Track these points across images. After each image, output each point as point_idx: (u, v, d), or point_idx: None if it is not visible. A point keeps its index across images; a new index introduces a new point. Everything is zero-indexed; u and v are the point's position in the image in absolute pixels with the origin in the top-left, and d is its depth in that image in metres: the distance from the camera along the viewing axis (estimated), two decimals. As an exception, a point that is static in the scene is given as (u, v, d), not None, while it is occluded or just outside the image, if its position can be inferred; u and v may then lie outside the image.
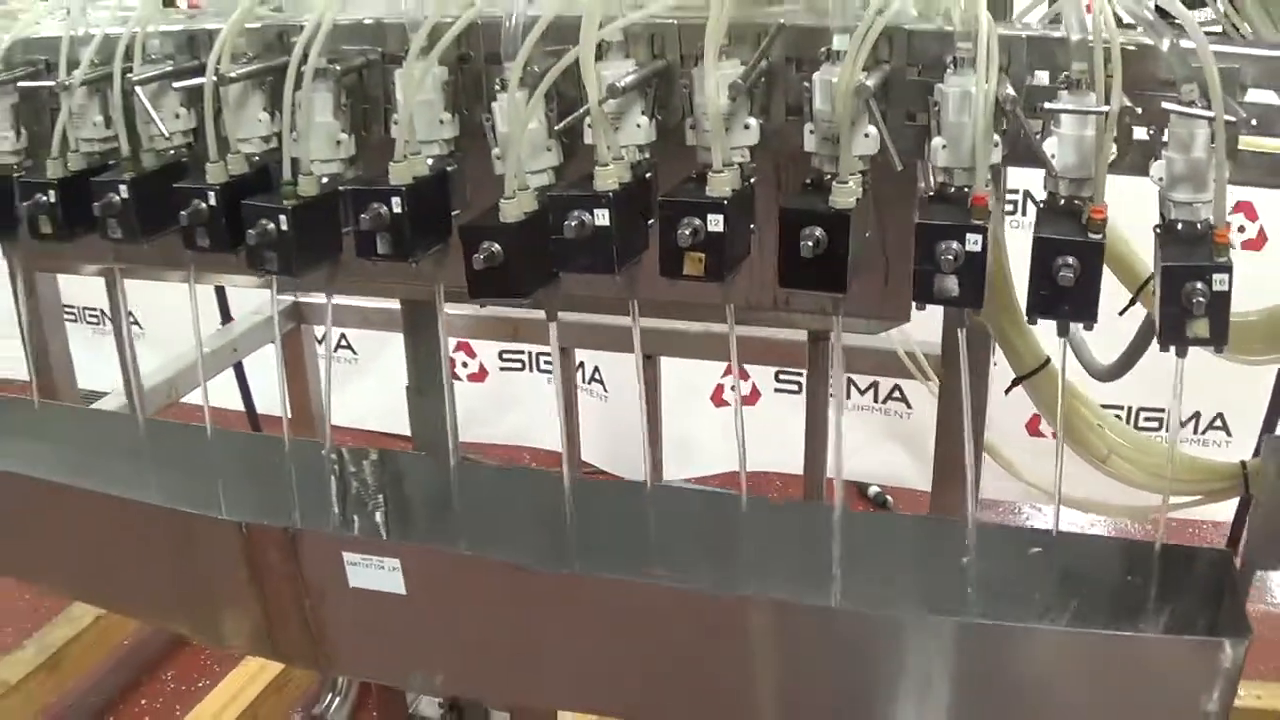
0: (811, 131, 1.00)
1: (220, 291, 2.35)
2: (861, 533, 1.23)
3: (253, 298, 2.31)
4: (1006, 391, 1.35)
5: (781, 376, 2.95)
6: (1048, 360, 1.33)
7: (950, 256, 0.94)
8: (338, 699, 1.37)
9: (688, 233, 0.96)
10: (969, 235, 0.94)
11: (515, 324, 2.12)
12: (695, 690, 1.15)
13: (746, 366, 2.96)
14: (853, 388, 2.93)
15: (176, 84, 1.15)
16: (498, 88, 1.04)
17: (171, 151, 1.22)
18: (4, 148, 1.31)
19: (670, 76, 1.05)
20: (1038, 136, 0.95)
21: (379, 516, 1.30)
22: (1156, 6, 0.94)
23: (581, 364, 2.98)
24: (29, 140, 1.32)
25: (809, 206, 0.96)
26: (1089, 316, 0.94)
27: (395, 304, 2.20)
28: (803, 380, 2.92)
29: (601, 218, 0.98)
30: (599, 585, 1.11)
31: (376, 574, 1.18)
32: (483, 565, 1.16)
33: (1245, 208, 2.55)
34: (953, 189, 0.99)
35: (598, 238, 0.98)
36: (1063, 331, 1.02)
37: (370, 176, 1.09)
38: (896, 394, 2.94)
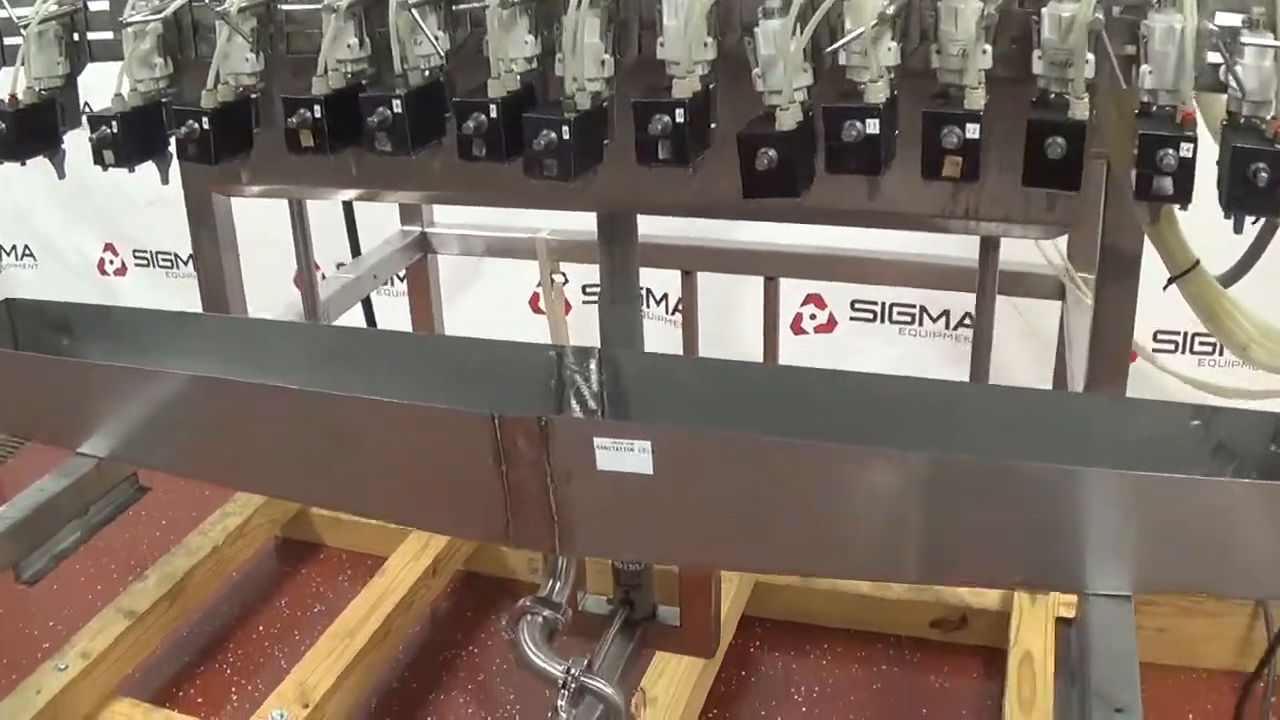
0: (1039, 57, 1.30)
1: (351, 226, 2.62)
2: (1046, 410, 1.56)
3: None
4: (1164, 289, 1.66)
5: (857, 304, 3.27)
6: (1197, 261, 1.65)
7: (1169, 161, 1.24)
8: (558, 583, 1.66)
9: (954, 139, 1.25)
10: (1183, 144, 1.25)
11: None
12: (908, 545, 1.46)
13: (822, 294, 3.28)
14: (925, 315, 3.25)
15: (457, 6, 1.43)
16: (761, 16, 1.33)
17: (427, 72, 1.50)
18: (246, 69, 1.58)
19: (911, 11, 1.34)
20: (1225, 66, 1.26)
21: (610, 405, 1.62)
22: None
23: (666, 295, 3.27)
24: (264, 64, 1.60)
25: (1052, 118, 1.26)
26: (1275, 210, 1.25)
27: (518, 234, 2.51)
28: (877, 310, 3.27)
29: (872, 126, 1.27)
30: (845, 455, 1.41)
31: (625, 456, 1.47)
32: (727, 441, 1.46)
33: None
34: (1154, 108, 1.29)
35: (868, 143, 1.28)
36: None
37: (644, 91, 1.37)
38: (967, 320, 3.25)
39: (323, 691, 2.19)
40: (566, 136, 1.37)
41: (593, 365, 1.67)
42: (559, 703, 1.53)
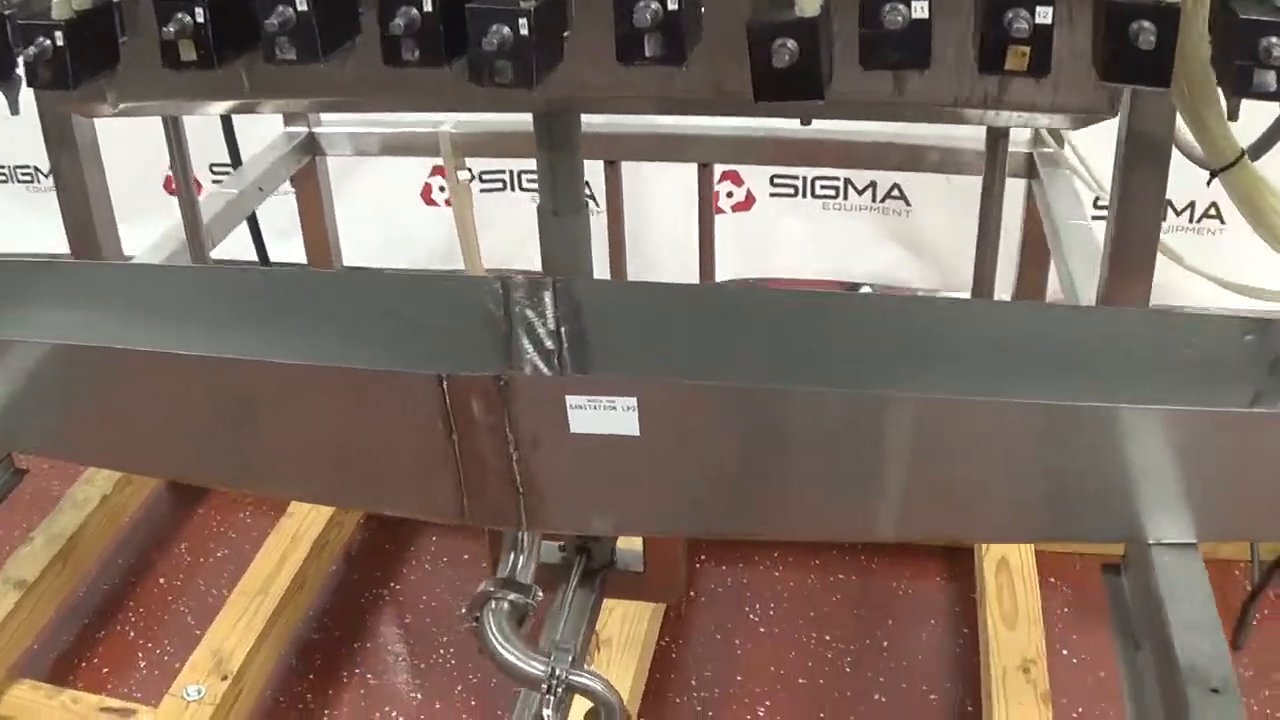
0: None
1: (229, 134, 2.24)
2: (1073, 327, 1.30)
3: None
4: (1208, 183, 1.41)
5: (776, 180, 2.98)
6: (1243, 153, 1.39)
7: (1277, 54, 0.98)
8: (521, 557, 1.37)
9: (1023, 27, 0.97)
10: (1292, 32, 0.98)
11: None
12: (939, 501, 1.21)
13: (740, 171, 2.99)
14: (850, 188, 2.98)
15: None
16: None
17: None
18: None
19: None
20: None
21: (571, 346, 1.33)
22: None
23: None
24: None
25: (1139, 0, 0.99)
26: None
27: (418, 129, 2.16)
28: (798, 185, 2.99)
29: (920, 9, 0.98)
30: (873, 404, 1.14)
31: (606, 416, 1.19)
32: (733, 394, 1.17)
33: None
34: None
35: (914, 30, 0.99)
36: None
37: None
38: (896, 192, 2.99)
39: (240, 659, 1.90)
40: (525, 31, 1.05)
41: (547, 299, 1.37)
42: (545, 712, 1.25)
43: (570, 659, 1.26)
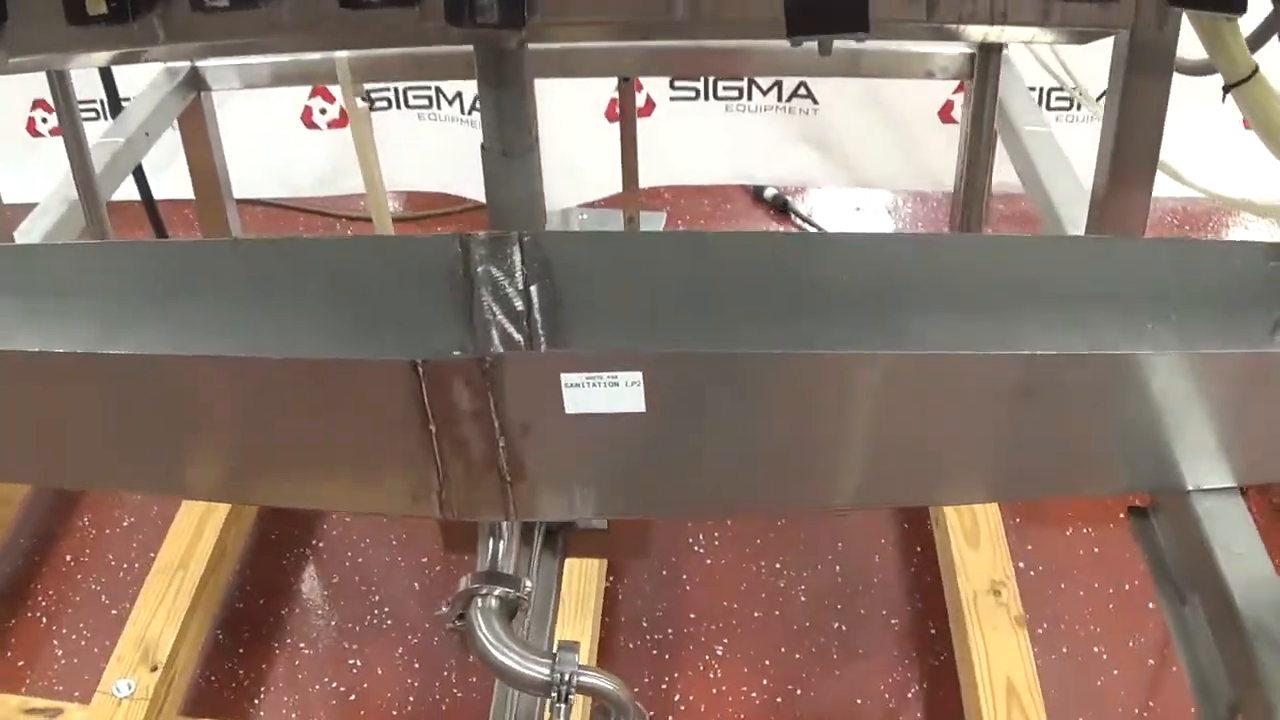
0: None
1: (108, 79, 1.98)
2: (1086, 259, 1.19)
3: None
4: (1222, 99, 1.29)
5: (677, 84, 2.81)
6: (1257, 68, 1.28)
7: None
8: (502, 544, 1.22)
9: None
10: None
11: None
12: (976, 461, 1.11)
13: (641, 79, 2.80)
14: (755, 89, 2.83)
15: None
16: None
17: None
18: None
19: None
20: None
21: (543, 310, 1.17)
22: None
23: (460, 94, 2.75)
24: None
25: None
26: None
27: (311, 55, 1.95)
28: (700, 88, 2.83)
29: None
30: (908, 364, 1.03)
31: (608, 393, 1.04)
32: (753, 362, 1.03)
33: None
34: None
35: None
36: None
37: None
38: (802, 90, 2.84)
39: (168, 645, 1.74)
40: (510, -34, 0.87)
41: (515, 255, 1.20)
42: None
43: (576, 658, 1.12)
